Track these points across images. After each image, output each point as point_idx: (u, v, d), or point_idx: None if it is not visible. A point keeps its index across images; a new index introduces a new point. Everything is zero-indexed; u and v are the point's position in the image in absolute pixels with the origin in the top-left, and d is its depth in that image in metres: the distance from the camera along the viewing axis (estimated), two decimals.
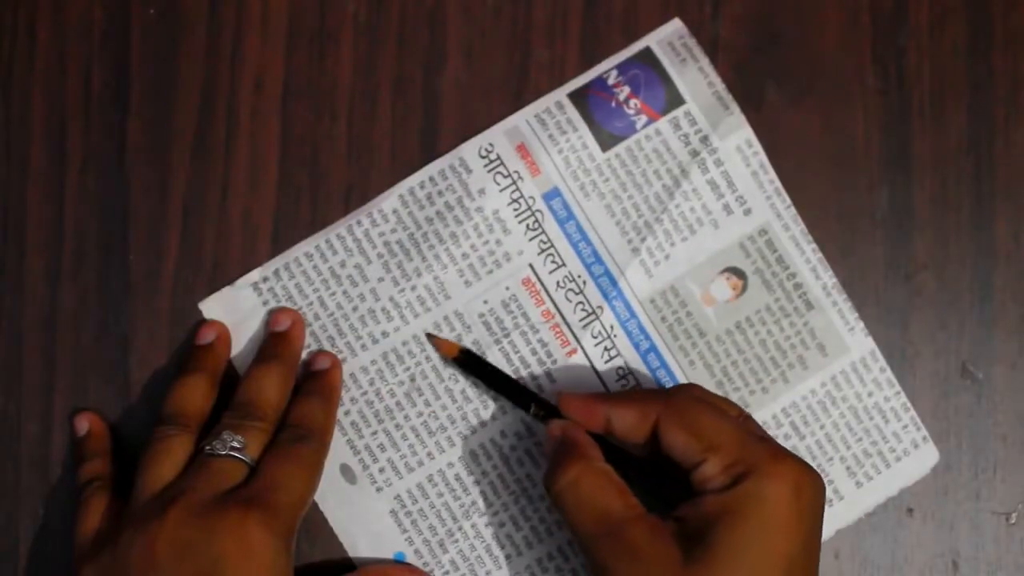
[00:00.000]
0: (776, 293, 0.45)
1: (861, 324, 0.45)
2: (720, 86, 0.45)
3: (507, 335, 0.44)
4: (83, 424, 0.44)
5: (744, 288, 0.45)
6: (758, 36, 0.46)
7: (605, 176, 0.45)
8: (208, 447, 0.40)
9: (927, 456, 0.45)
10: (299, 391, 0.43)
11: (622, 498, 0.38)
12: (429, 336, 0.44)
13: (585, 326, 0.45)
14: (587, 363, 0.45)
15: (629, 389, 0.45)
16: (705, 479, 0.37)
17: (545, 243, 0.45)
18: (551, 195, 0.45)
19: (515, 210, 0.45)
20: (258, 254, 0.45)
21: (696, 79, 0.45)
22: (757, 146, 0.45)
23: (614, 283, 0.45)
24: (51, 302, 0.45)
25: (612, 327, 0.45)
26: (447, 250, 0.45)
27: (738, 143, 0.45)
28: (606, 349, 0.45)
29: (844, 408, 0.45)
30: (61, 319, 0.45)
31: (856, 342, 0.45)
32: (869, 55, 0.46)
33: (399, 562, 0.44)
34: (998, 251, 0.46)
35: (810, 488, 0.37)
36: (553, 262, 0.45)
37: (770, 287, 0.45)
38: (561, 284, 0.45)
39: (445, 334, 0.44)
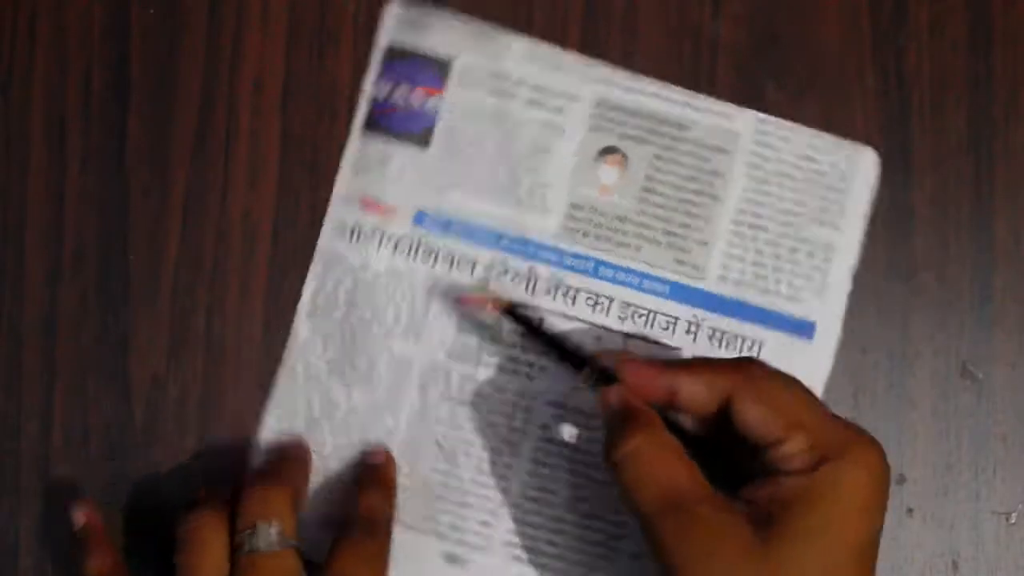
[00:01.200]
0: (651, 142, 0.45)
1: (731, 105, 0.45)
2: (468, 22, 0.45)
3: (488, 358, 0.44)
4: (80, 518, 0.42)
5: (625, 157, 0.45)
6: (758, 36, 0.46)
7: (444, 167, 0.45)
8: (248, 544, 0.38)
9: (866, 161, 0.45)
10: (359, 485, 0.42)
11: (690, 473, 0.36)
12: (459, 298, 0.44)
13: (540, 293, 0.44)
14: (575, 323, 0.44)
15: (692, 358, 0.43)
16: (784, 458, 0.35)
17: (448, 256, 0.45)
18: (419, 218, 0.45)
19: (404, 253, 0.45)
20: (258, 254, 0.45)
21: (446, 36, 0.45)
22: (543, 48, 0.45)
23: (526, 243, 0.45)
24: (51, 302, 0.45)
25: (554, 275, 0.44)
26: (383, 332, 0.45)
27: (525, 54, 0.45)
28: (563, 295, 0.44)
29: (778, 171, 0.45)
30: (61, 319, 0.45)
31: (742, 122, 0.45)
32: (869, 55, 0.46)
33: None
34: (998, 251, 0.46)
35: (887, 475, 0.36)
36: (467, 264, 0.45)
37: (643, 140, 0.45)
38: (487, 276, 0.45)
39: (438, 383, 0.44)
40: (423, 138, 0.45)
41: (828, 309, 0.45)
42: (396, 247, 0.45)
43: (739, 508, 0.35)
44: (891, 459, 0.44)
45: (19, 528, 0.45)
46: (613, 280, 0.45)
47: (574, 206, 0.45)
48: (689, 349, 0.44)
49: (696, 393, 0.37)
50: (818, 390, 0.44)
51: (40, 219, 0.46)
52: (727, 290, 0.45)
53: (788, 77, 0.46)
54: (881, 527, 0.36)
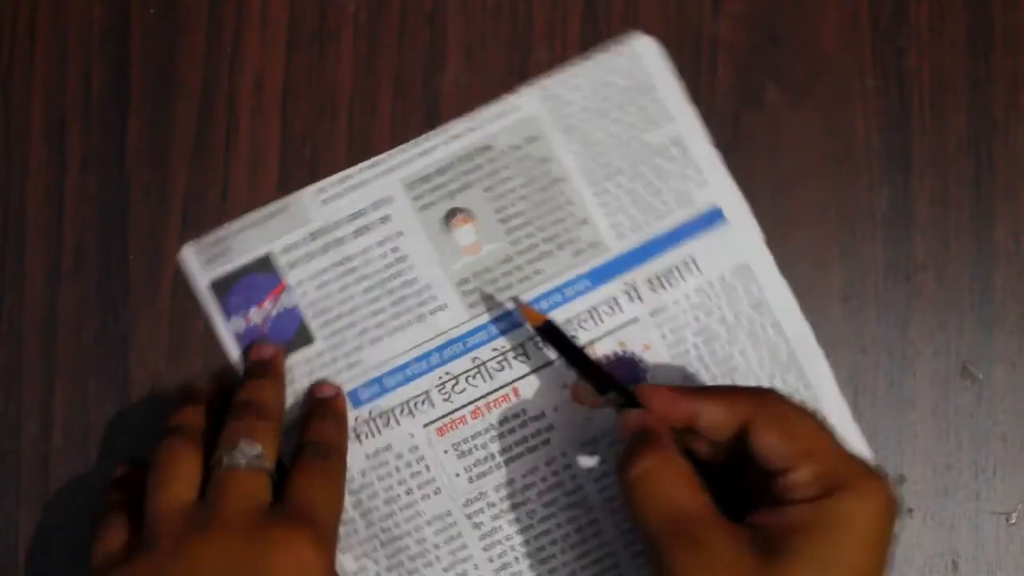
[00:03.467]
0: (474, 182, 0.45)
1: (509, 96, 0.45)
2: (252, 215, 0.45)
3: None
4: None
5: (464, 210, 0.45)
6: (758, 36, 0.46)
7: (339, 343, 0.45)
8: (227, 457, 0.39)
9: (645, 48, 0.45)
10: (308, 415, 0.43)
11: (698, 496, 0.36)
12: (515, 300, 0.44)
13: (500, 370, 0.45)
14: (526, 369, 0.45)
15: (712, 386, 0.44)
16: (794, 486, 0.36)
17: (402, 407, 0.44)
18: (355, 400, 0.45)
19: (367, 436, 0.45)
20: None
21: (246, 239, 0.45)
22: (328, 180, 0.45)
23: (453, 342, 0.45)
24: (51, 302, 0.45)
25: (499, 347, 0.44)
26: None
27: (318, 198, 0.45)
28: (514, 357, 0.44)
29: (590, 115, 0.45)
30: (61, 319, 0.45)
31: (527, 102, 0.45)
32: (869, 55, 0.46)
33: None
34: (998, 251, 0.46)
35: (894, 508, 0.36)
36: (423, 400, 0.45)
37: (467, 186, 0.45)
38: (449, 393, 0.45)
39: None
40: (303, 336, 0.45)
41: (718, 188, 0.45)
42: (358, 436, 0.45)
43: (745, 533, 0.35)
44: (891, 459, 0.45)
45: (19, 528, 0.45)
46: (547, 310, 0.45)
47: (461, 282, 0.45)
48: (642, 310, 0.45)
49: (716, 418, 0.38)
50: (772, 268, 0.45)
51: (40, 219, 0.46)
52: (632, 241, 0.45)
53: (788, 77, 0.46)
54: (886, 561, 0.36)
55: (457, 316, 0.45)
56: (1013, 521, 0.45)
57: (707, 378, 0.44)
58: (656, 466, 0.37)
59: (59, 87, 0.46)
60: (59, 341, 0.45)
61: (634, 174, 0.45)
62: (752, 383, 0.44)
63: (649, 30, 0.46)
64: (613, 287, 0.45)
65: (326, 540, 0.39)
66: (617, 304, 0.45)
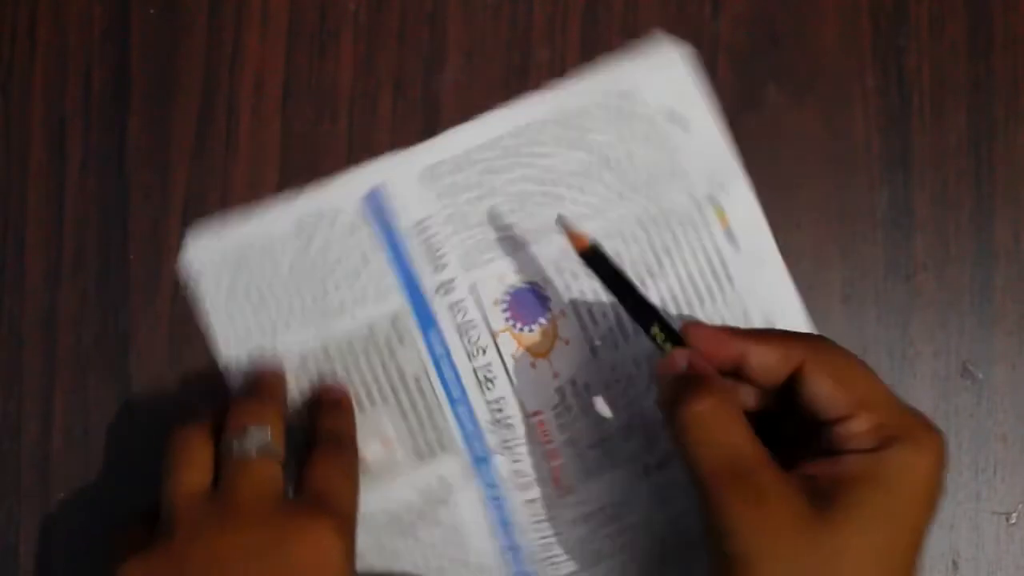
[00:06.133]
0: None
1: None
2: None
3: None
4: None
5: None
6: (758, 36, 0.46)
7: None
8: (237, 445, 0.39)
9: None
10: (319, 409, 0.44)
11: (752, 441, 0.35)
12: (560, 217, 0.43)
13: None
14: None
15: (761, 328, 0.42)
16: (850, 436, 0.35)
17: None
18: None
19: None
20: None
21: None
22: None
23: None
24: (51, 302, 0.45)
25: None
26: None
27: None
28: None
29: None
30: (61, 319, 0.45)
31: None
32: (869, 55, 0.46)
33: None
34: (998, 251, 0.46)
35: (945, 461, 0.36)
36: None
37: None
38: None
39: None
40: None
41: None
42: None
43: (799, 481, 0.35)
44: None
45: (19, 528, 0.45)
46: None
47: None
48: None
49: (766, 361, 0.37)
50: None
51: (40, 219, 0.46)
52: None
53: (788, 77, 0.46)
54: (936, 514, 0.36)
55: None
56: (1013, 521, 0.45)
57: None
58: (712, 408, 0.36)
59: (59, 87, 0.46)
60: (59, 341, 0.45)
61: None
62: None
63: (649, 30, 0.46)
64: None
65: (347, 529, 0.39)
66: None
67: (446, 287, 0.44)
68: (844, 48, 0.46)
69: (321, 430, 0.43)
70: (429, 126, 0.46)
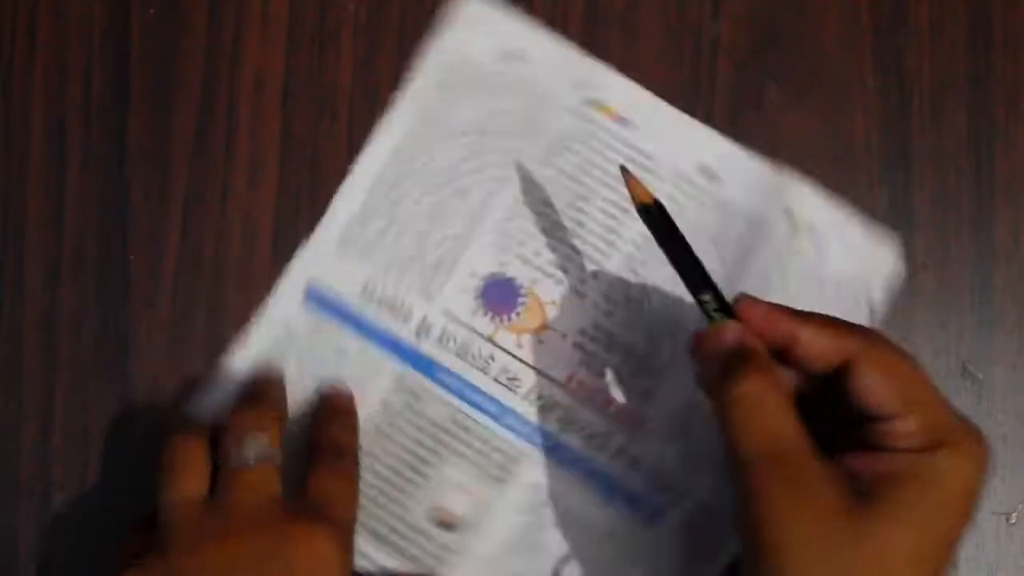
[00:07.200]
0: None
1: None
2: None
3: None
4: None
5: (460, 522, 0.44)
6: (758, 36, 0.46)
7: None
8: (235, 455, 0.39)
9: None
10: (321, 417, 0.43)
11: (797, 427, 0.34)
12: (623, 169, 0.39)
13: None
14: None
15: (815, 312, 0.38)
16: (898, 435, 0.34)
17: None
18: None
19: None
20: (258, 254, 0.45)
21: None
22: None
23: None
24: (51, 302, 0.45)
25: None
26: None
27: None
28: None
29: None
30: (61, 319, 0.45)
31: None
32: (869, 55, 0.46)
33: None
34: (998, 251, 0.46)
35: (988, 470, 0.35)
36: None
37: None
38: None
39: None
40: None
41: None
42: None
43: (841, 473, 0.34)
44: None
45: (19, 528, 0.45)
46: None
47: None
48: None
49: (819, 346, 0.35)
50: None
51: (40, 219, 0.46)
52: None
53: (788, 77, 0.46)
54: (973, 519, 0.35)
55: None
56: (1013, 521, 0.45)
57: None
58: (759, 389, 0.35)
59: (59, 87, 0.46)
60: (59, 341, 0.45)
61: None
62: None
63: (649, 30, 0.46)
64: None
65: (344, 537, 0.39)
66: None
67: (423, 328, 0.44)
68: (844, 48, 0.46)
69: (323, 438, 0.42)
70: None
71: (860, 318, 0.44)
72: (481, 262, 0.45)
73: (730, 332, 0.36)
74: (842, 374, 0.35)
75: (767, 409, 0.35)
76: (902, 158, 0.46)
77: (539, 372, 0.44)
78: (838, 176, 0.46)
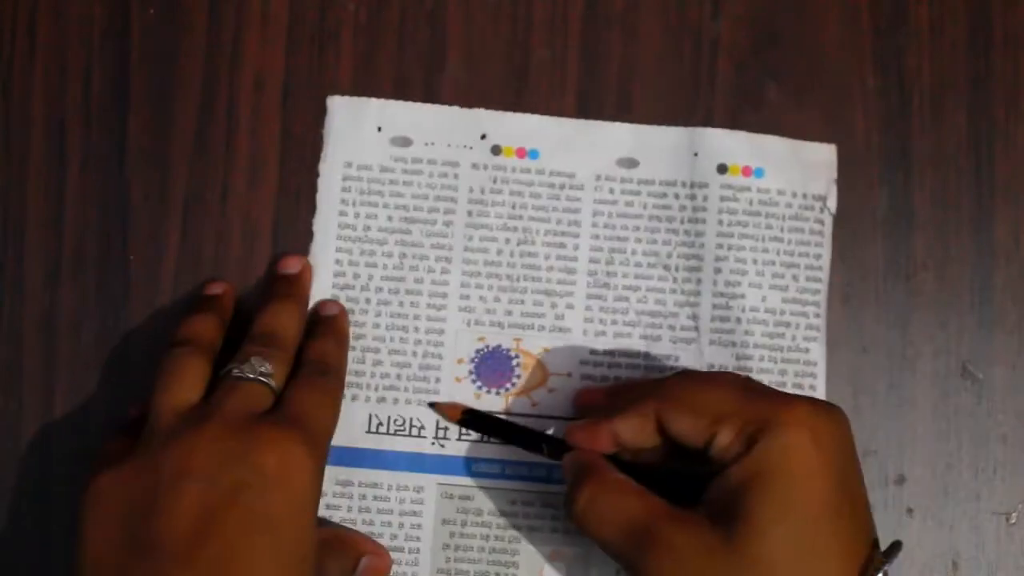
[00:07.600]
0: None
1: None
2: None
3: None
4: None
5: None
6: (758, 36, 0.46)
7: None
8: (236, 370, 0.40)
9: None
10: (311, 333, 0.44)
11: (643, 501, 0.37)
12: (431, 405, 0.44)
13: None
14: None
15: (624, 388, 0.43)
16: (721, 451, 0.36)
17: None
18: None
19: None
20: (258, 254, 0.45)
21: None
22: None
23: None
24: (51, 302, 0.45)
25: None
26: None
27: None
28: None
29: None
30: (61, 319, 0.45)
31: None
32: (869, 55, 0.46)
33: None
34: (998, 251, 0.46)
35: (827, 425, 0.36)
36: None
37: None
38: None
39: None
40: None
41: None
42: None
43: (702, 516, 0.36)
44: (891, 459, 0.45)
45: (19, 528, 0.45)
46: None
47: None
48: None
49: (632, 430, 0.39)
50: None
51: (40, 219, 0.46)
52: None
53: (788, 77, 0.46)
54: (852, 475, 0.36)
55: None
56: (1013, 521, 0.45)
57: None
58: (594, 491, 0.38)
59: (59, 87, 0.46)
60: (59, 341, 0.45)
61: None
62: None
63: (649, 30, 0.46)
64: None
65: (317, 447, 0.39)
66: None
67: (440, 433, 0.44)
68: (844, 48, 0.46)
69: (311, 353, 0.42)
70: None
71: (819, 223, 0.45)
72: (461, 346, 0.45)
73: (567, 460, 0.40)
74: (661, 432, 0.38)
75: (610, 501, 0.37)
76: (902, 158, 0.46)
77: (561, 419, 0.44)
78: (838, 176, 0.46)
